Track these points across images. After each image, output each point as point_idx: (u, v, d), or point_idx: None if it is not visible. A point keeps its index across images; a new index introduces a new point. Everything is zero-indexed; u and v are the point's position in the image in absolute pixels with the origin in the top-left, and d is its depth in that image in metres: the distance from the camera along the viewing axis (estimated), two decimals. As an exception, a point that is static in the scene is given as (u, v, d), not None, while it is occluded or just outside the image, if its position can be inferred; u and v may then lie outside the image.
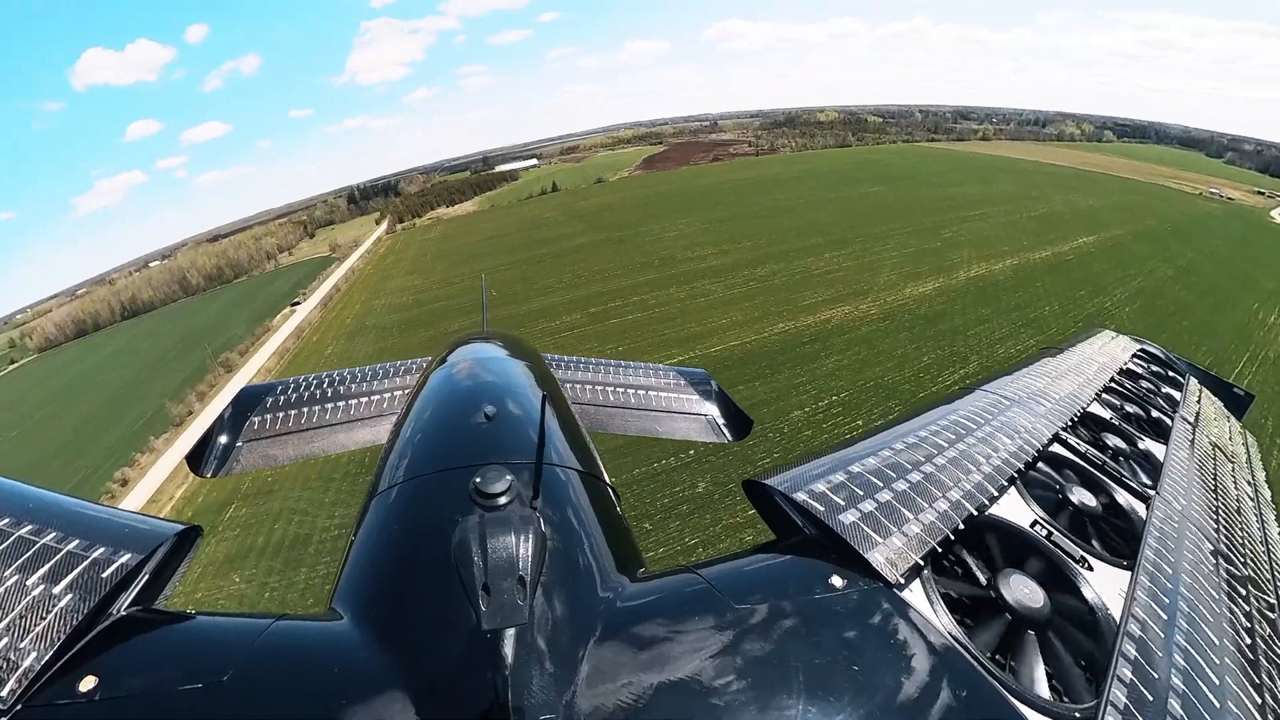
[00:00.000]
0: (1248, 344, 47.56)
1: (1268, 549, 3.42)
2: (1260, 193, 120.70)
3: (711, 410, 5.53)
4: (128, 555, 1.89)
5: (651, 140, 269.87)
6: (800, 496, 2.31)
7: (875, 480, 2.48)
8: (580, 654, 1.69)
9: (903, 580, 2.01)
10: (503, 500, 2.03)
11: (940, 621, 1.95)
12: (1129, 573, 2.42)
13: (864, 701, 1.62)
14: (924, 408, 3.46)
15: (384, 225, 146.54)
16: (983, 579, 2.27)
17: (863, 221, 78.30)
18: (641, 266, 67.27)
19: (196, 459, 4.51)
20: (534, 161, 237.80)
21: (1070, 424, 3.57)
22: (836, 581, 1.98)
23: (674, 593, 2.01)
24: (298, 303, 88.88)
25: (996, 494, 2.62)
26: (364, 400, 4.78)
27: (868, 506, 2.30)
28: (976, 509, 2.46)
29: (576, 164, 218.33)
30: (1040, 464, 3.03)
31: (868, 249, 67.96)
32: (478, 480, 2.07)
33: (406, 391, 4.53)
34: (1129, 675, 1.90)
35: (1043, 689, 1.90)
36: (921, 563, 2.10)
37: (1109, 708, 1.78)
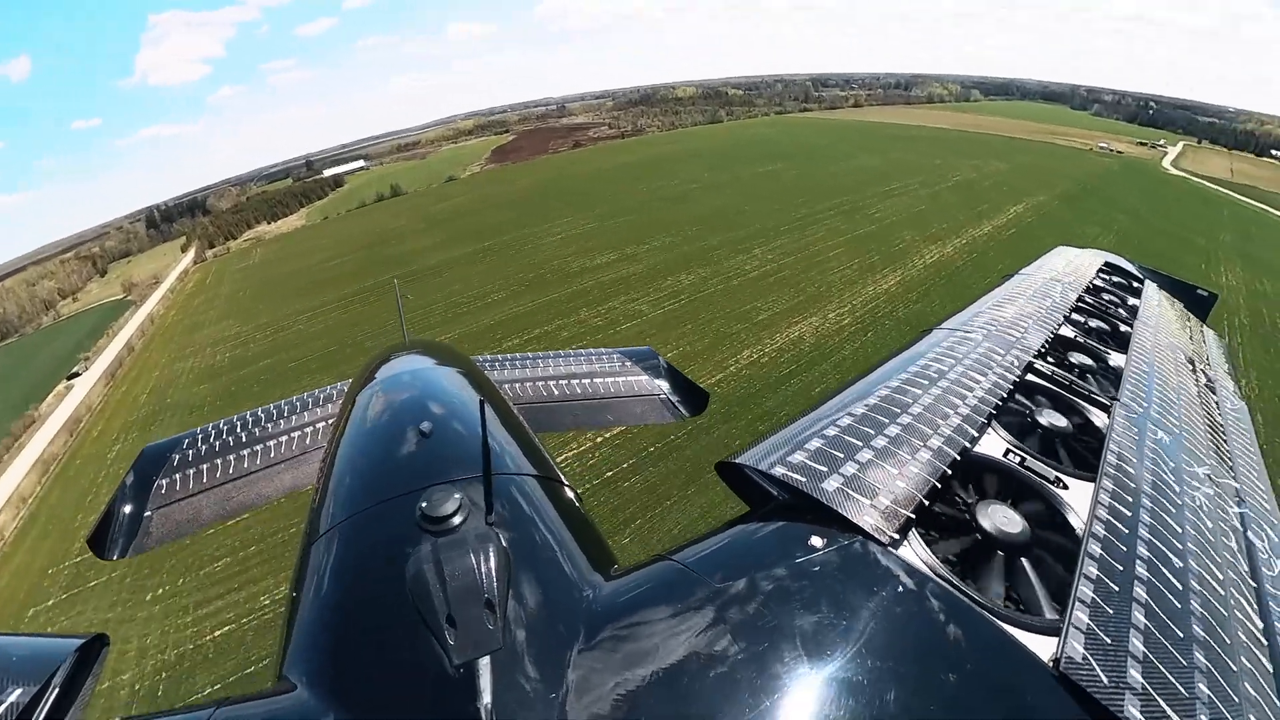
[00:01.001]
0: (1221, 312, 41.76)
1: (1228, 437, 3.51)
2: (1143, 144, 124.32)
3: (663, 388, 5.45)
4: (18, 691, 1.77)
5: (496, 129, 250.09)
6: (779, 471, 2.31)
7: (854, 440, 2.48)
8: (566, 665, 1.66)
9: (896, 536, 2.02)
10: (455, 521, 1.98)
11: (921, 560, 1.98)
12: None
13: (856, 649, 1.65)
14: (891, 355, 3.50)
15: (191, 253, 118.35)
16: (963, 513, 2.33)
17: (778, 205, 68.74)
18: (531, 285, 52.74)
19: (99, 540, 4.02)
20: (362, 163, 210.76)
21: (1040, 351, 3.63)
22: (816, 542, 1.99)
23: (652, 584, 1.98)
24: (76, 374, 63.16)
25: (977, 434, 2.68)
26: (285, 440, 4.46)
27: (850, 469, 2.30)
28: (959, 453, 2.50)
29: (419, 161, 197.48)
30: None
31: (800, 239, 58.07)
32: (424, 505, 2.04)
33: (331, 422, 4.33)
34: (1089, 594, 1.96)
35: (1035, 612, 1.98)
36: (913, 516, 2.12)
37: (1073, 616, 1.87)
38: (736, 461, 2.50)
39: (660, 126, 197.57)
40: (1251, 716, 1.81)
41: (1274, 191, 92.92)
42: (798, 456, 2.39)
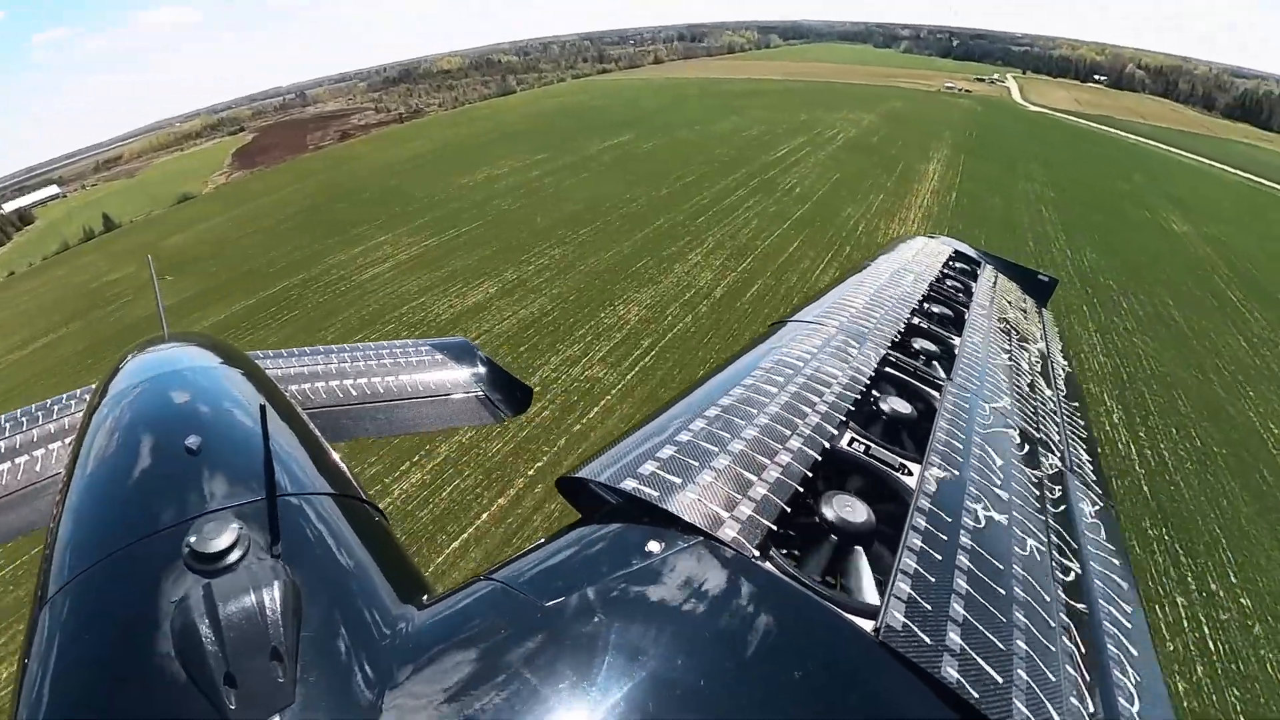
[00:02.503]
0: (1195, 267, 41.49)
1: (1056, 411, 3.70)
2: (981, 79, 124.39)
3: (480, 385, 4.98)
4: None
5: (229, 129, 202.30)
6: (630, 485, 2.19)
7: (709, 446, 2.43)
8: (374, 712, 1.52)
9: (757, 553, 1.98)
10: (232, 557, 1.76)
11: (765, 557, 1.98)
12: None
13: (691, 649, 1.64)
14: (742, 350, 3.51)
15: None
16: (808, 505, 2.35)
17: (667, 189, 54.31)
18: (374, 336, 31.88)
19: None
20: (54, 189, 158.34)
21: (893, 339, 3.75)
22: (653, 547, 1.94)
23: (470, 609, 1.85)
24: None
25: (836, 431, 2.68)
26: (6, 471, 3.58)
27: (707, 478, 2.25)
28: (820, 453, 2.50)
29: (129, 181, 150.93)
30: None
31: (733, 231, 43.95)
32: (192, 540, 1.79)
33: (70, 441, 3.59)
34: (913, 565, 2.02)
35: (872, 597, 2.00)
36: (775, 527, 2.09)
37: (895, 588, 1.92)
38: (579, 476, 2.32)
39: (441, 105, 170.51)
40: (1067, 667, 1.93)
41: (1130, 120, 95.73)
42: (648, 467, 2.27)
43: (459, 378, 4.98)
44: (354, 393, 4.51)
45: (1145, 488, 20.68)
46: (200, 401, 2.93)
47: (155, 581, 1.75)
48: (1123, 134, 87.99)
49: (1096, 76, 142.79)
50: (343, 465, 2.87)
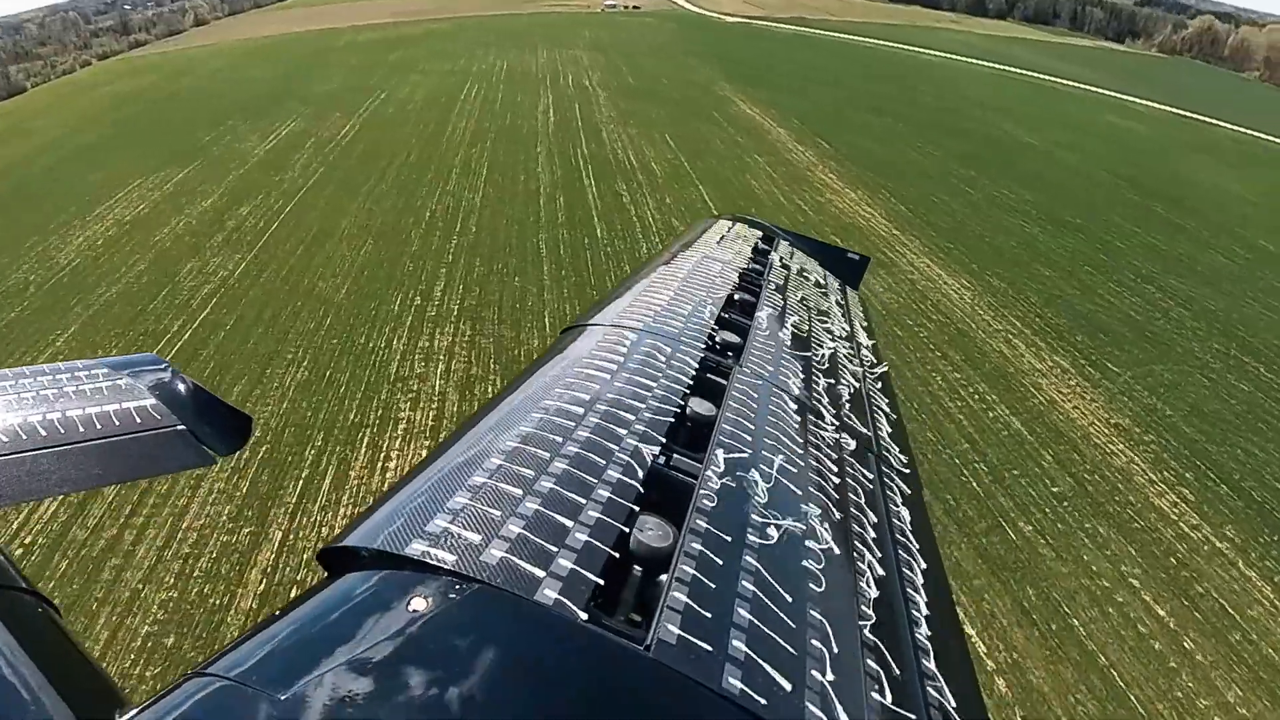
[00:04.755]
0: (1074, 183, 38.87)
1: (859, 391, 3.57)
2: None
3: (180, 415, 3.79)
4: None
5: None
6: (417, 549, 1.79)
7: (511, 488, 2.08)
8: None
9: (585, 615, 1.70)
10: None
11: (592, 619, 1.73)
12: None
13: (447, 709, 1.45)
14: (535, 366, 3.21)
15: None
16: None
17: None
18: None
19: None
20: None
21: (701, 337, 3.51)
22: (418, 605, 1.65)
23: (183, 717, 1.47)
24: None
25: (656, 451, 2.39)
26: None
27: (514, 529, 1.91)
28: (640, 482, 2.19)
29: None
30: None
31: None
32: None
33: None
34: (690, 571, 1.87)
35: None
36: (601, 581, 1.79)
37: (669, 598, 1.76)
38: (347, 545, 1.91)
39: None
40: (869, 662, 1.85)
41: (821, 18, 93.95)
42: (438, 524, 1.90)
43: (150, 408, 3.78)
44: (5, 439, 3.30)
45: None
46: None
47: None
48: (848, 37, 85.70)
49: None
50: None
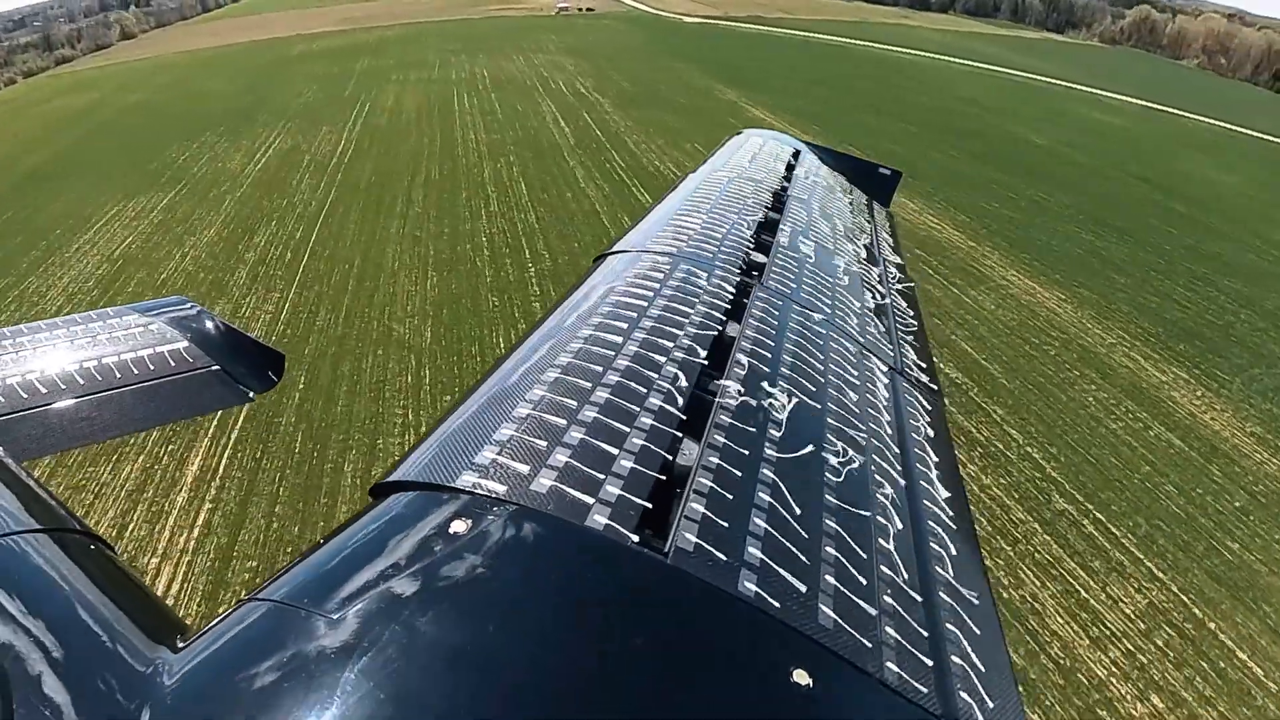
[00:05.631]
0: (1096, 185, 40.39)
1: (883, 310, 3.57)
2: None
3: (214, 356, 3.90)
4: None
5: None
6: (468, 480, 1.85)
7: (556, 419, 2.12)
8: None
9: (636, 537, 1.76)
10: None
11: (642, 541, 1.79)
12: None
13: (483, 624, 1.49)
14: (570, 293, 3.19)
15: None
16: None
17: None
18: None
19: None
20: None
21: (740, 264, 3.49)
22: (459, 528, 1.68)
23: (236, 641, 1.56)
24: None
25: (696, 380, 2.43)
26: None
27: (561, 458, 1.94)
28: (683, 410, 2.24)
29: None
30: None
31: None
32: None
33: None
34: (708, 484, 1.94)
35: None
36: (649, 505, 1.85)
37: (686, 508, 1.83)
38: (397, 479, 1.94)
39: None
40: (882, 567, 1.89)
41: (779, 16, 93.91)
42: (486, 455, 1.94)
43: (185, 350, 3.88)
44: (44, 390, 3.34)
45: None
46: None
47: None
48: (817, 36, 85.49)
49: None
50: (43, 490, 2.41)
